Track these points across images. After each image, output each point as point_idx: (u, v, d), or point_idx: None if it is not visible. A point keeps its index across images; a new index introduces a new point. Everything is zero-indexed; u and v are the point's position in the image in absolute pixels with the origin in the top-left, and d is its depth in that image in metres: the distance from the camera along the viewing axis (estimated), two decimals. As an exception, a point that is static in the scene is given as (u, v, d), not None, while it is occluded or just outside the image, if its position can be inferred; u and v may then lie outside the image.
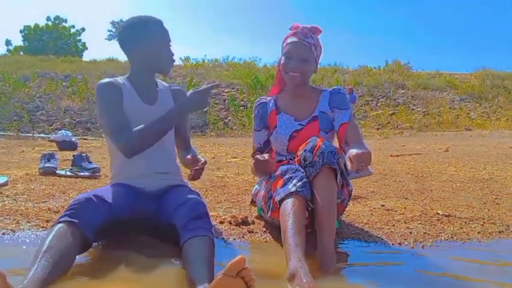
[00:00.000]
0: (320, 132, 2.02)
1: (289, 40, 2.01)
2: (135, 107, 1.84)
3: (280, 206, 1.70)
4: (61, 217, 1.50)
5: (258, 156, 1.88)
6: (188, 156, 1.93)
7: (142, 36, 1.81)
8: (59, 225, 1.46)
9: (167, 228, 1.66)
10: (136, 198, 1.76)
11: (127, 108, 1.82)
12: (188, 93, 1.78)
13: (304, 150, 1.76)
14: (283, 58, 2.02)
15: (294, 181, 1.71)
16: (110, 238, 1.74)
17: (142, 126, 1.72)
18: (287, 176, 1.75)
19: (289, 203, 1.65)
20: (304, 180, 1.71)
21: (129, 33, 1.83)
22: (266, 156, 1.87)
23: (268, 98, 2.18)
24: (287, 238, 1.54)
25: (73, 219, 1.47)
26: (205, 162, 1.86)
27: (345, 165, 1.74)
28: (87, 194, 1.62)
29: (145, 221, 1.76)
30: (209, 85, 1.77)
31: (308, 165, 1.73)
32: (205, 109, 1.64)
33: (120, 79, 1.90)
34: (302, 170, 1.76)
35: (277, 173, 1.86)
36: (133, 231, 1.81)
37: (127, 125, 1.75)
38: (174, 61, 1.92)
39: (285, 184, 1.73)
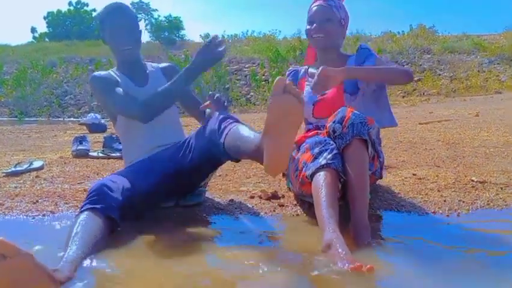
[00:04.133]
0: (344, 95, 2.02)
1: (312, 5, 2.09)
2: (130, 90, 1.93)
3: (311, 180, 1.69)
4: (83, 206, 1.54)
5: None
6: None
7: (100, 28, 1.98)
8: (84, 213, 1.50)
9: (193, 169, 1.79)
10: (152, 163, 1.85)
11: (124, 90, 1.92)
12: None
13: (333, 122, 1.72)
14: (307, 24, 2.09)
15: (325, 154, 1.69)
16: (136, 216, 1.77)
17: (154, 91, 1.82)
18: (317, 150, 1.73)
19: (321, 176, 1.63)
20: (335, 152, 1.69)
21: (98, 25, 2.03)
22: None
23: (301, 67, 2.24)
24: (320, 210, 1.54)
25: (95, 206, 1.52)
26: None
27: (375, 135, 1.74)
28: (101, 181, 1.67)
29: (167, 183, 1.80)
30: (209, 39, 1.78)
31: (338, 136, 1.70)
32: (218, 60, 1.80)
33: (112, 71, 2.04)
34: (332, 142, 1.73)
35: (305, 145, 1.85)
36: (159, 202, 1.89)
37: (134, 96, 1.86)
38: (127, 45, 1.95)
39: (315, 158, 1.71)
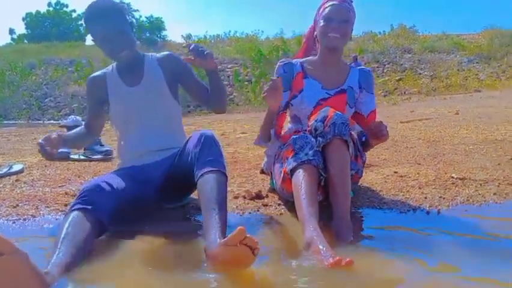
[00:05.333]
0: (346, 106, 2.02)
1: (328, 4, 2.00)
2: (119, 91, 1.92)
3: (291, 176, 1.69)
4: (74, 205, 1.52)
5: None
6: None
7: (90, 32, 1.87)
8: (74, 212, 1.48)
9: (181, 172, 1.73)
10: (144, 170, 1.83)
11: (112, 94, 1.93)
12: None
13: (316, 120, 1.74)
14: (322, 21, 1.99)
15: (306, 150, 1.70)
16: (125, 221, 1.75)
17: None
18: (298, 146, 1.74)
19: (300, 173, 1.64)
20: (316, 148, 1.70)
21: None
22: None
23: (294, 60, 2.14)
24: (301, 208, 1.55)
25: (86, 206, 1.50)
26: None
27: (359, 135, 1.76)
28: (95, 180, 1.66)
29: (157, 191, 1.82)
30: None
31: (319, 135, 1.71)
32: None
33: (110, 67, 1.99)
34: (313, 139, 1.75)
35: (288, 142, 1.85)
36: (150, 208, 1.86)
37: (88, 127, 2.10)
38: (119, 51, 1.82)
39: (296, 154, 1.72)
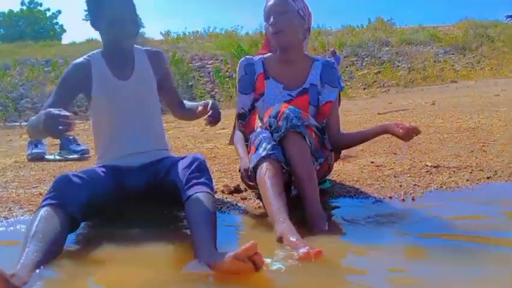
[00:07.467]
0: (309, 107, 1.97)
1: (266, 3, 1.94)
2: (108, 84, 1.80)
3: (255, 173, 1.67)
4: (44, 200, 1.47)
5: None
6: (200, 108, 1.88)
7: (95, 12, 1.76)
8: (43, 208, 1.43)
9: (164, 188, 1.68)
10: (123, 175, 1.75)
11: (98, 85, 1.80)
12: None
13: (269, 116, 1.72)
14: (264, 22, 1.96)
15: (264, 145, 1.68)
16: (100, 216, 1.73)
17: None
18: (257, 142, 1.72)
19: (263, 168, 1.62)
20: (273, 143, 1.68)
21: (88, 8, 1.79)
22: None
23: (256, 58, 2.07)
24: (268, 203, 1.54)
25: (56, 201, 1.45)
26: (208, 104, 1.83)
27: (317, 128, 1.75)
28: (66, 174, 1.59)
29: (136, 194, 1.75)
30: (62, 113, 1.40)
31: (273, 130, 1.69)
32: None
33: (95, 55, 1.85)
34: (269, 133, 1.72)
35: (250, 140, 1.84)
36: (125, 207, 1.80)
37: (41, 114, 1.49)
38: (129, 37, 1.77)
39: (256, 150, 1.70)
